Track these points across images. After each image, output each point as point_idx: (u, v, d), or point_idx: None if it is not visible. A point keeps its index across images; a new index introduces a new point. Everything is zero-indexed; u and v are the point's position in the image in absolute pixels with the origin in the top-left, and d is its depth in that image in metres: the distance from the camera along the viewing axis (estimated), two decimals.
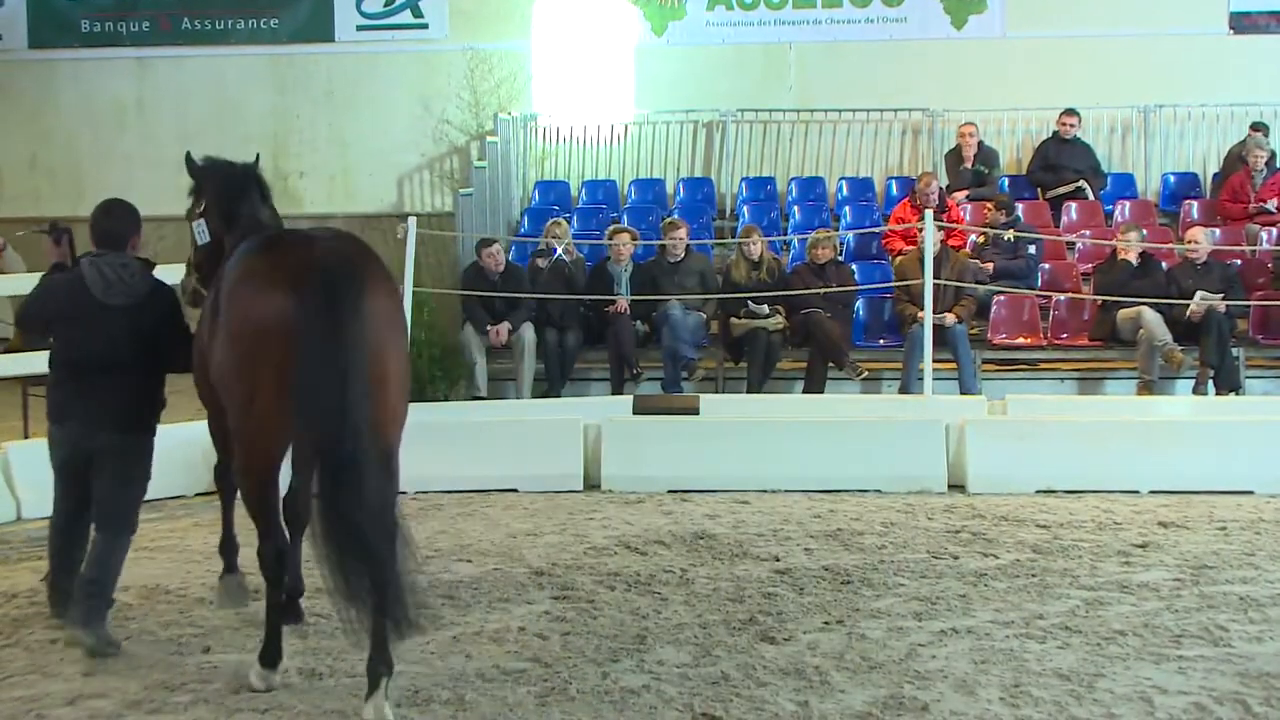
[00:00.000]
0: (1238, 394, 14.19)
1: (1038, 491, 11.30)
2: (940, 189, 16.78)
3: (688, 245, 15.58)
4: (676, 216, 16.55)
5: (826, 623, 7.80)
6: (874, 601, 8.24)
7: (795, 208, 18.19)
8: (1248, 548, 9.47)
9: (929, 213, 14.14)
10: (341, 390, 6.22)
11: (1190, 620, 7.81)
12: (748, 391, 14.58)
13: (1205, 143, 19.14)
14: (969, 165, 17.98)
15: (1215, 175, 18.60)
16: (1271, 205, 16.93)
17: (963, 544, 9.68)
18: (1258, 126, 18.19)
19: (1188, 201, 18.03)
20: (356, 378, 6.26)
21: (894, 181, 18.68)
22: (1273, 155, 18.01)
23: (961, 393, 14.17)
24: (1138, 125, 19.16)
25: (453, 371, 15.23)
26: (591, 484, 11.82)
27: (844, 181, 18.77)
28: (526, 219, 18.21)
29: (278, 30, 19.94)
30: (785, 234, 17.47)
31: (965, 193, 17.65)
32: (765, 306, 14.96)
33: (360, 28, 19.85)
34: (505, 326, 15.05)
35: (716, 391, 14.87)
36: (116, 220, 7.93)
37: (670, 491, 11.50)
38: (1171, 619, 7.85)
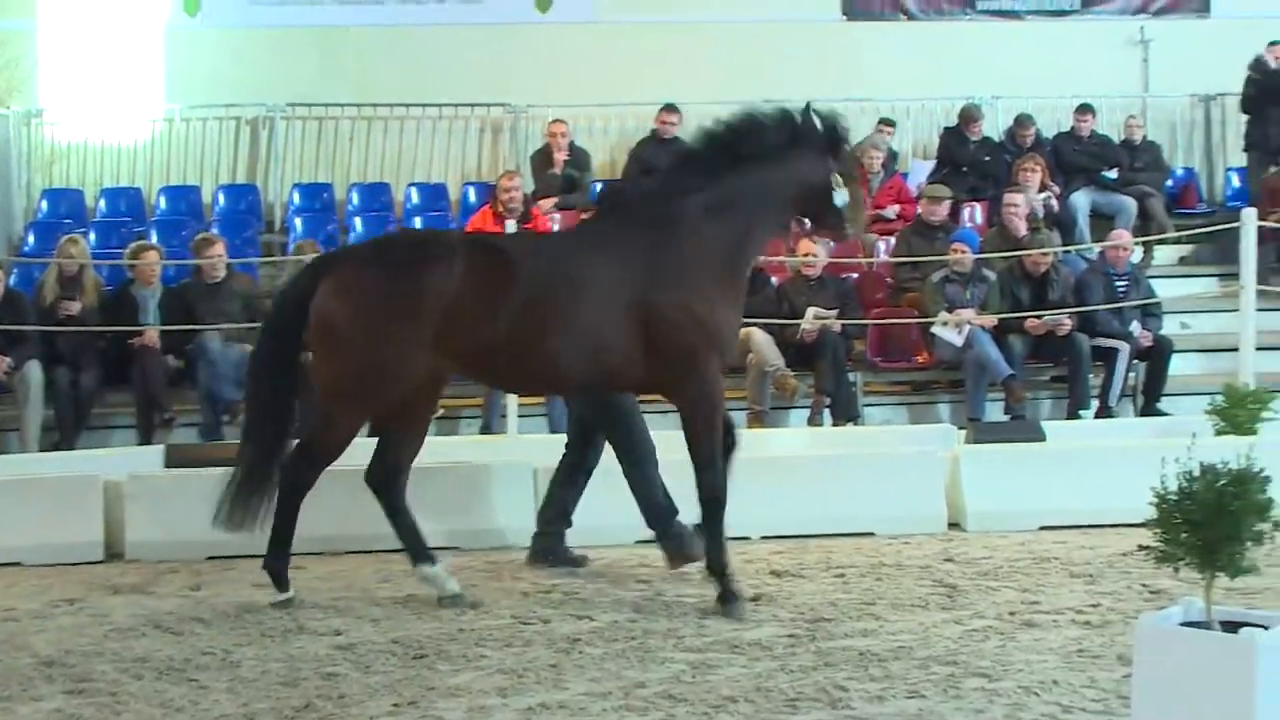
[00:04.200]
0: (855, 423, 14.82)
1: (637, 542, 11.52)
2: (525, 196, 16.99)
3: (229, 265, 15.36)
4: (213, 231, 16.30)
5: (396, 705, 7.77)
6: (451, 678, 8.25)
7: (357, 219, 18.18)
8: (868, 596, 9.88)
9: (510, 224, 14.31)
10: None
11: (806, 681, 8.08)
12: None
13: None
14: (558, 169, 18.25)
15: None
16: (891, 212, 17.77)
17: (554, 605, 9.80)
18: (887, 123, 19.08)
19: None
20: None
21: (472, 188, 18.84)
22: (893, 156, 18.93)
23: (551, 431, 14.36)
24: None
25: None
26: (115, 553, 11.50)
27: (414, 188, 18.85)
28: (32, 235, 17.63)
29: None
30: None
31: (553, 200, 17.89)
32: None
33: None
34: (6, 362, 14.54)
35: None
36: None
37: (211, 559, 11.28)
38: (786, 680, 8.10)
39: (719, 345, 9.57)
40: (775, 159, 9.62)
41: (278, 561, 9.81)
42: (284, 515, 9.71)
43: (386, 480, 9.92)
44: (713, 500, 9.57)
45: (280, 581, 9.79)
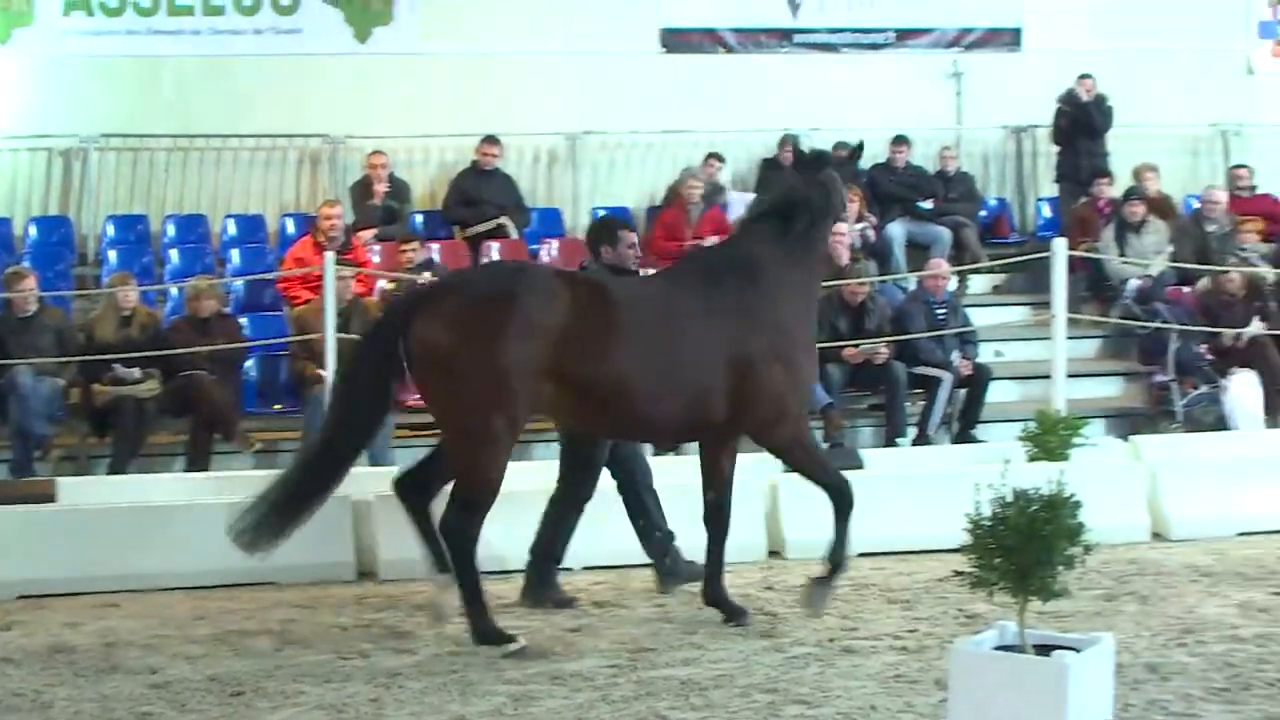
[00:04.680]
0: (675, 453, 14.79)
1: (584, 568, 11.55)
2: (345, 227, 16.88)
3: (40, 298, 15.07)
4: (24, 264, 15.99)
5: None
6: (269, 715, 8.17)
7: (173, 251, 17.91)
8: (689, 625, 9.92)
9: (329, 255, 14.20)
10: None
11: (628, 711, 8.10)
12: (113, 471, 14.21)
13: (638, 173, 20.06)
14: (378, 200, 18.17)
15: (650, 209, 19.50)
16: (708, 241, 17.85)
17: (374, 640, 9.73)
18: (715, 157, 19.20)
19: None
20: None
21: (290, 219, 18.67)
22: (720, 189, 19.04)
23: (371, 463, 14.25)
24: (565, 154, 19.88)
25: None
26: None
27: (231, 220, 18.61)
28: None
29: None
30: (161, 282, 17.15)
31: (373, 231, 17.80)
32: (136, 369, 14.64)
33: None
34: None
35: (78, 473, 14.40)
36: None
37: (21, 598, 11.04)
38: (608, 710, 8.12)
39: (802, 391, 10.12)
40: (822, 217, 10.09)
41: (486, 620, 9.46)
42: (469, 572, 9.44)
43: (417, 490, 9.74)
44: (843, 503, 10.01)
45: (501, 636, 9.40)
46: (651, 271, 12.26)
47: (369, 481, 12.48)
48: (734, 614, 9.97)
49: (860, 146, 10.72)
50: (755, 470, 12.78)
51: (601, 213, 19.40)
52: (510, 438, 9.43)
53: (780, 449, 10.10)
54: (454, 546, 9.42)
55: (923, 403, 15.90)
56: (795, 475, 12.43)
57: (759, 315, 9.71)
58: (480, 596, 9.45)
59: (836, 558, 9.98)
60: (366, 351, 9.77)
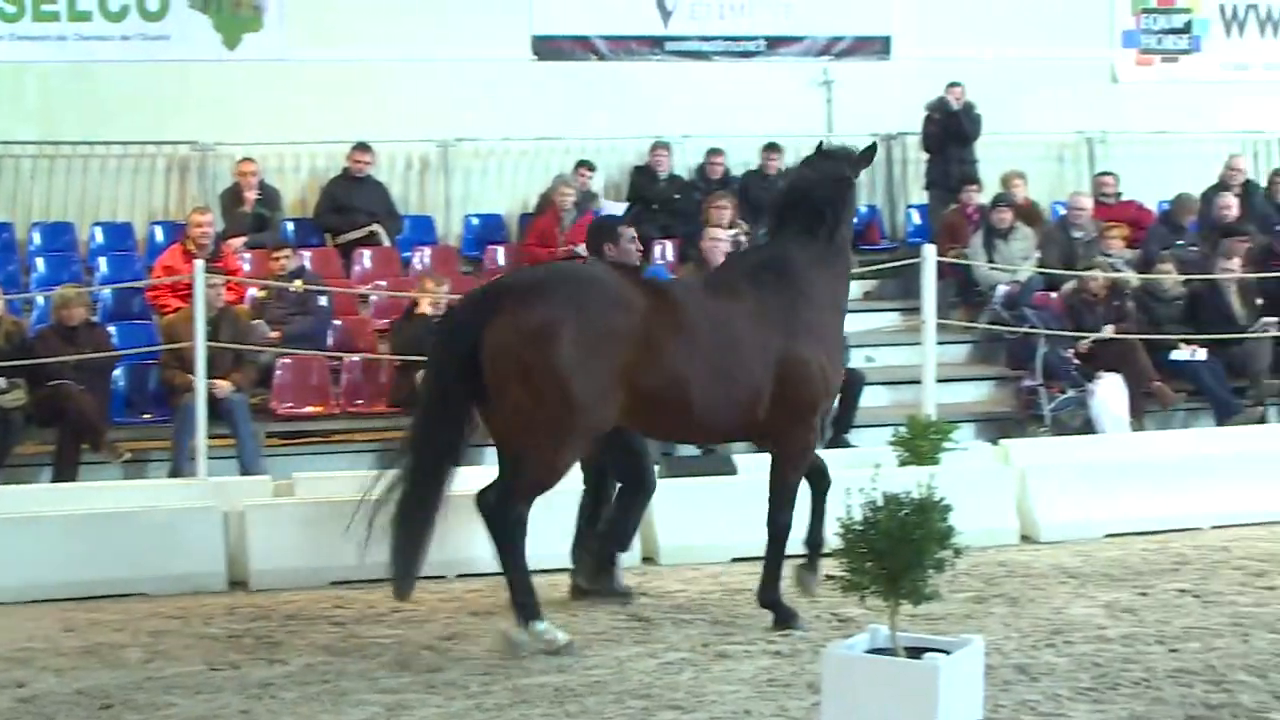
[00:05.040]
0: None
1: (332, 583, 11.40)
2: (215, 235, 16.72)
3: None
4: None
5: None
6: None
7: (39, 259, 17.67)
8: (568, 632, 9.87)
9: (199, 263, 14.06)
10: None
11: (502, 718, 8.09)
12: None
13: (511, 180, 20.04)
14: (248, 207, 18.02)
15: (523, 217, 19.48)
16: (581, 249, 17.85)
17: (246, 651, 9.64)
18: (586, 165, 19.20)
19: (493, 246, 18.79)
20: None
21: (159, 226, 18.47)
22: (591, 196, 19.05)
23: (242, 473, 14.15)
24: (437, 162, 19.82)
25: None
26: None
27: (98, 228, 18.39)
28: None
29: None
30: (27, 291, 16.91)
31: (244, 238, 17.65)
32: (2, 379, 14.42)
33: None
34: None
35: None
36: None
37: None
38: (482, 718, 8.10)
39: (832, 395, 10.46)
40: (847, 221, 10.36)
41: (534, 611, 9.48)
42: (520, 560, 9.49)
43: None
44: (780, 537, 10.02)
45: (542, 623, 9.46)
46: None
47: (239, 491, 12.44)
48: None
49: (872, 148, 10.66)
50: None
51: (475, 220, 19.44)
52: (586, 441, 9.56)
53: (787, 453, 10.12)
54: (508, 536, 9.44)
55: None
56: (669, 482, 12.55)
57: (802, 319, 9.89)
58: (530, 585, 9.52)
59: (770, 598, 10.05)
60: (445, 355, 9.53)
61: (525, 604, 9.44)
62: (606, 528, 10.93)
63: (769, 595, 10.04)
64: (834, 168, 10.27)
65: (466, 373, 9.28)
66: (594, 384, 9.19)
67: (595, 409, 9.29)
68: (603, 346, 9.18)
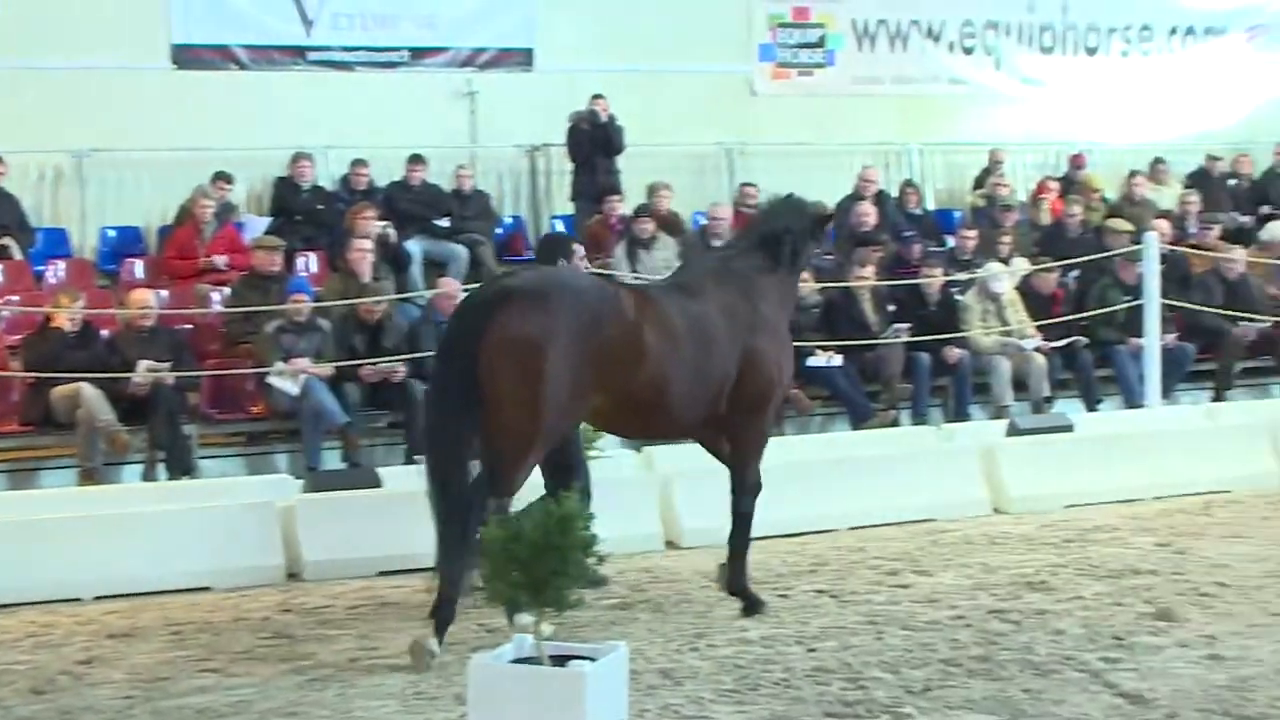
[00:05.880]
0: (191, 477, 14.52)
1: None
2: None
3: None
4: None
5: None
6: None
7: None
8: (204, 652, 9.72)
9: None
10: None
11: None
12: None
13: (150, 191, 19.57)
14: None
15: (163, 229, 19.05)
16: (221, 261, 17.57)
17: None
18: (223, 177, 18.83)
19: (131, 260, 18.33)
20: None
21: None
22: (228, 208, 18.73)
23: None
24: (71, 173, 19.28)
25: None
26: None
27: None
28: None
29: None
30: None
31: None
32: None
33: None
34: None
35: None
36: None
37: None
38: None
39: (785, 387, 11.03)
40: (805, 244, 11.10)
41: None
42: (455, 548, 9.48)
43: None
44: (747, 520, 10.59)
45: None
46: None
47: None
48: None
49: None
50: (271, 492, 12.67)
51: (111, 233, 18.97)
52: (558, 439, 9.87)
53: (745, 444, 10.58)
54: (464, 528, 9.42)
55: None
56: (314, 496, 12.45)
57: (761, 316, 10.49)
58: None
59: (739, 583, 10.51)
60: (458, 345, 9.61)
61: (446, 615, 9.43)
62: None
63: (737, 583, 10.50)
64: (807, 213, 11.19)
65: (465, 372, 9.47)
66: (579, 390, 9.53)
67: (574, 414, 9.76)
68: (591, 356, 9.50)
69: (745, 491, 10.57)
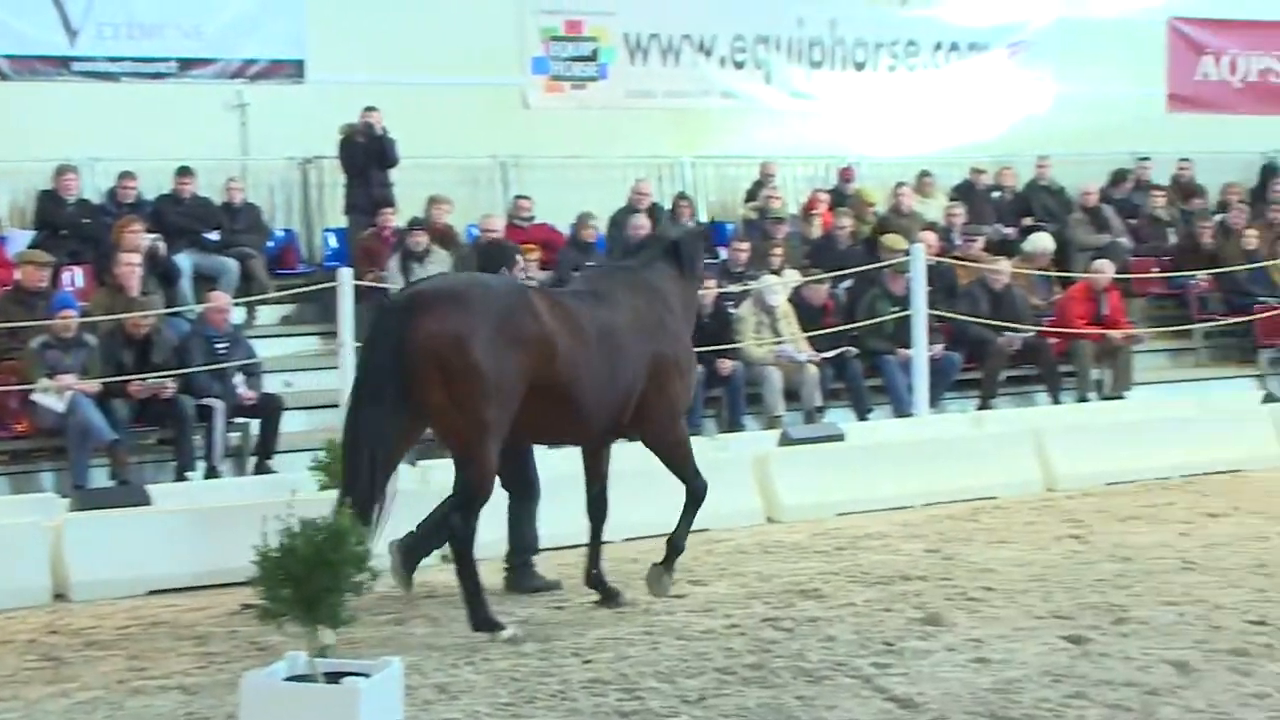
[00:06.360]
0: None
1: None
2: None
3: None
4: None
5: None
6: None
7: None
8: None
9: None
10: None
11: None
12: None
13: None
14: None
15: None
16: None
17: None
18: None
19: None
20: None
21: None
22: None
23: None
24: None
25: None
26: None
27: None
28: None
29: None
30: None
31: None
32: None
33: None
34: None
35: None
36: None
37: None
38: None
39: (691, 390, 11.46)
40: (699, 256, 11.72)
41: (485, 614, 10.11)
42: (470, 566, 10.11)
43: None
44: (698, 500, 11.23)
45: (496, 624, 10.07)
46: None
47: None
48: (611, 596, 10.98)
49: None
50: (36, 511, 12.41)
51: None
52: (506, 428, 10.02)
53: (665, 451, 11.09)
54: (459, 543, 10.12)
55: None
56: (82, 515, 12.21)
57: (667, 323, 10.92)
58: (480, 589, 10.14)
59: (679, 544, 11.16)
60: (379, 351, 9.95)
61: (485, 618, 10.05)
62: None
63: (679, 543, 11.20)
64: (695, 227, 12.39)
65: (392, 375, 9.76)
66: (510, 377, 9.81)
67: (512, 400, 9.89)
68: (513, 349, 9.80)
69: (688, 477, 11.17)
